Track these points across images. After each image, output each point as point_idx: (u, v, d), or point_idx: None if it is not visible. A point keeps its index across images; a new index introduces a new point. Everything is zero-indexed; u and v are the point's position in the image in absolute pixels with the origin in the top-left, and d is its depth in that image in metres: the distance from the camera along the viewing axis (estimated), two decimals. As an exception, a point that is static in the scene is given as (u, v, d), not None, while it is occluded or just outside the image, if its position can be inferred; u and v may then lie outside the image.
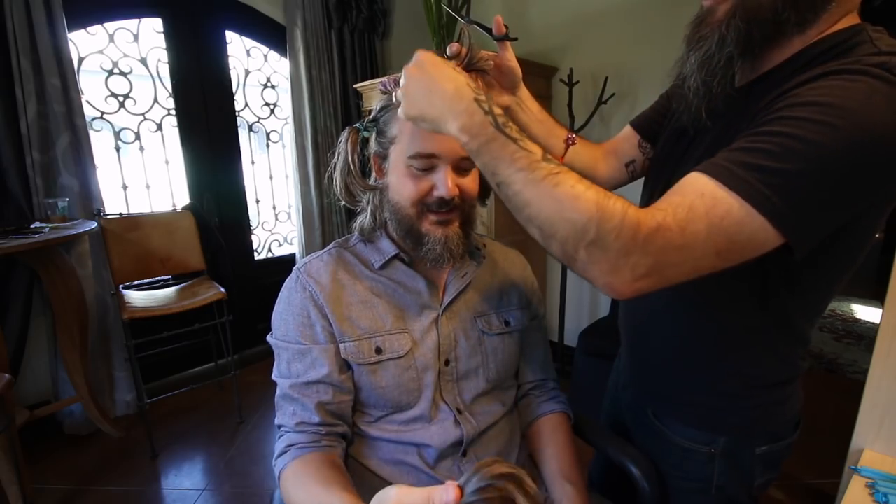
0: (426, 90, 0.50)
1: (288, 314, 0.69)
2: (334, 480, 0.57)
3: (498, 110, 0.48)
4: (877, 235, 0.53)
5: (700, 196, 0.44)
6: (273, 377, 0.69)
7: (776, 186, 0.42)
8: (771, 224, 0.42)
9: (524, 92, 0.73)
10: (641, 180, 0.79)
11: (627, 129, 0.81)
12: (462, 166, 0.65)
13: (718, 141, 0.53)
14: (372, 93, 2.26)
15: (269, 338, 0.70)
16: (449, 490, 0.37)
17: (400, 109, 0.54)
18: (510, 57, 0.68)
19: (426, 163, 0.63)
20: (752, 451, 0.64)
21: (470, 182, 0.67)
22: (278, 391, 0.68)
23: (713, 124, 0.58)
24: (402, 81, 0.53)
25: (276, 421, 0.67)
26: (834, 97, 0.42)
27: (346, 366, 0.68)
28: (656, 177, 0.70)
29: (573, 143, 0.77)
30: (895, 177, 0.44)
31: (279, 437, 0.66)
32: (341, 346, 0.67)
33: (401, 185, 0.66)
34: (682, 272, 0.45)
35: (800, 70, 0.49)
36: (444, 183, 0.63)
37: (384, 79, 0.69)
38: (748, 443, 0.64)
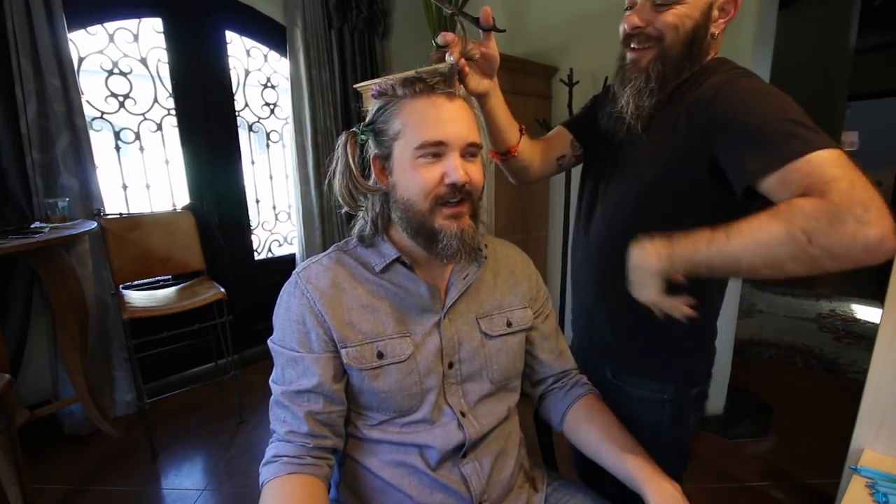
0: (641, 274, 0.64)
1: (285, 320, 0.68)
2: None
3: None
4: None
5: (797, 171, 0.55)
6: (270, 381, 0.69)
7: (783, 139, 0.57)
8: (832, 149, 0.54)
9: (496, 79, 0.83)
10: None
11: (561, 129, 0.96)
12: (469, 152, 0.65)
13: (670, 139, 0.71)
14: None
15: (269, 341, 0.70)
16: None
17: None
18: (493, 46, 0.74)
19: (434, 150, 0.63)
20: (688, 394, 0.83)
21: (477, 170, 0.67)
22: (272, 397, 0.68)
23: (644, 132, 0.76)
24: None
25: (271, 425, 0.68)
26: (755, 89, 0.65)
27: (340, 375, 0.68)
28: (599, 172, 0.86)
29: (523, 134, 0.90)
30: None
31: (270, 443, 0.67)
32: (342, 351, 0.66)
33: (410, 181, 0.64)
34: (873, 191, 0.50)
35: (694, 84, 0.72)
36: (455, 169, 0.62)
37: (377, 82, 0.68)
38: (687, 387, 0.82)
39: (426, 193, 0.63)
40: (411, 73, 0.66)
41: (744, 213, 0.58)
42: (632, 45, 0.74)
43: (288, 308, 0.68)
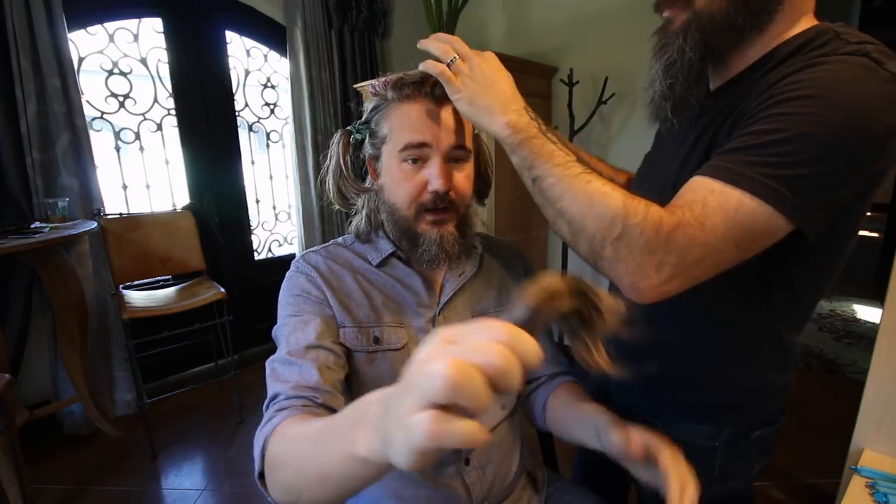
0: (487, 83, 0.57)
1: (288, 295, 0.67)
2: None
3: (543, 122, 0.56)
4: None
5: (710, 192, 0.47)
6: (267, 362, 0.63)
7: (779, 178, 0.45)
8: (779, 212, 0.45)
9: None
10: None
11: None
12: (454, 156, 0.65)
13: (697, 143, 0.58)
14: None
15: (273, 331, 0.69)
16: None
17: (451, 89, 0.59)
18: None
19: (417, 153, 0.63)
20: (748, 438, 0.66)
21: (463, 179, 0.66)
22: (272, 364, 0.61)
23: (690, 128, 0.61)
24: (462, 66, 0.59)
25: (269, 393, 0.59)
26: (815, 87, 0.45)
27: (346, 349, 0.66)
28: (644, 178, 0.75)
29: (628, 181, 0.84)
30: (884, 152, 0.45)
31: (266, 410, 0.57)
32: (340, 330, 0.66)
33: (395, 185, 0.65)
34: (705, 269, 0.47)
35: (771, 69, 0.52)
36: (436, 175, 0.62)
37: (374, 80, 0.69)
38: (747, 431, 0.66)
39: (410, 201, 0.65)
40: (401, 74, 0.66)
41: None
42: (660, 7, 0.59)
43: (290, 287, 0.68)
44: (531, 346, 0.27)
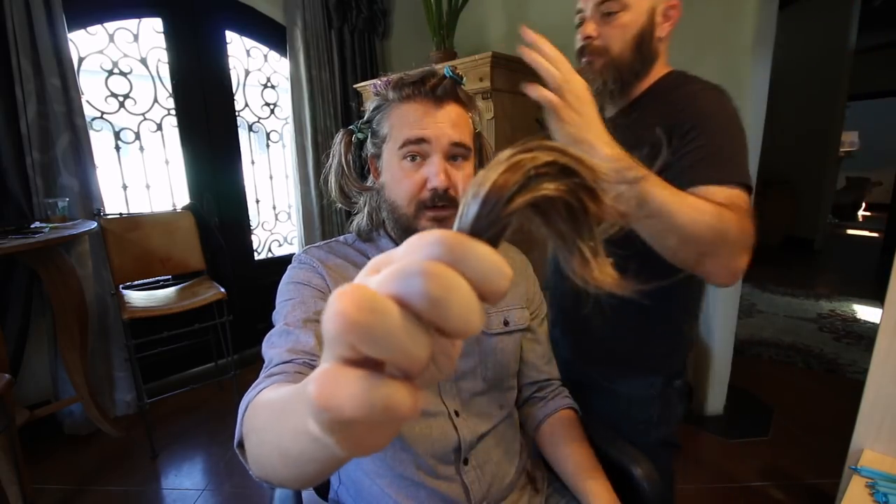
0: (589, 117, 0.57)
1: (288, 283, 0.68)
2: None
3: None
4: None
5: (713, 194, 0.65)
6: (264, 343, 0.61)
7: (738, 171, 0.69)
8: (746, 192, 0.68)
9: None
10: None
11: None
12: (454, 153, 0.65)
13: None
14: (371, 93, 2.26)
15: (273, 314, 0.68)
16: None
17: (557, 121, 0.56)
18: None
19: (416, 149, 0.63)
20: (673, 386, 0.88)
21: (463, 177, 0.66)
22: (268, 338, 0.60)
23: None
24: (567, 95, 0.56)
25: (265, 362, 0.56)
26: (714, 108, 0.74)
27: None
28: None
29: None
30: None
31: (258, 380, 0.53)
32: None
33: (395, 183, 0.66)
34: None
35: (659, 96, 0.80)
36: (435, 172, 0.63)
37: (376, 80, 0.69)
38: (671, 380, 0.87)
39: (410, 199, 0.65)
40: (402, 74, 0.66)
41: None
42: (583, 59, 0.81)
43: (291, 277, 0.68)
44: (486, 260, 0.18)
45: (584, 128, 0.57)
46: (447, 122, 0.64)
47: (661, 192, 0.57)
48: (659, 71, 0.82)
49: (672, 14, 0.78)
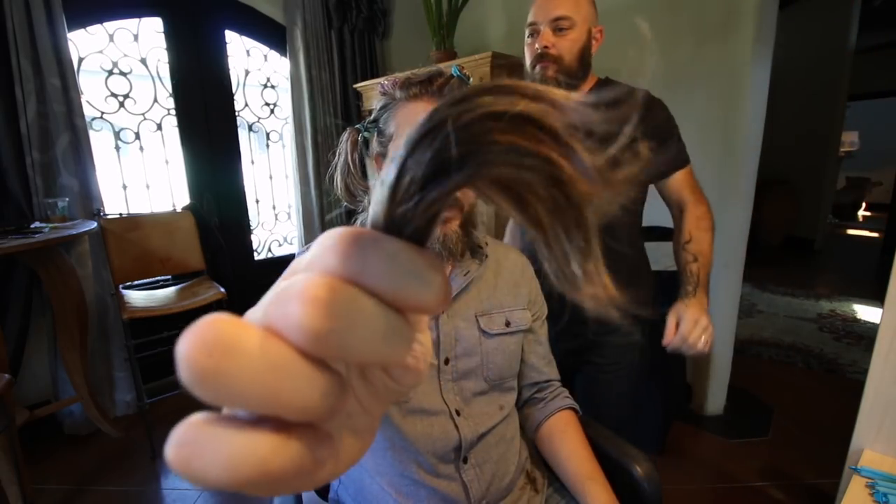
0: None
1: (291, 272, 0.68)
2: None
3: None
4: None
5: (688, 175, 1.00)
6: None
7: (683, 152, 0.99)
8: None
9: None
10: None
11: None
12: None
13: None
14: (372, 93, 2.26)
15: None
16: None
17: None
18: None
19: None
20: (643, 334, 1.06)
21: None
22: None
23: None
24: None
25: None
26: (661, 104, 0.99)
27: None
28: None
29: None
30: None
31: None
32: None
33: None
34: None
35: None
36: None
37: (383, 79, 0.69)
38: (643, 328, 1.05)
39: None
40: (409, 74, 0.66)
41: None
42: (538, 65, 0.95)
43: (295, 266, 0.68)
44: (398, 264, 0.13)
45: None
46: None
47: (708, 275, 0.96)
48: (592, 79, 1.04)
49: (599, 38, 1.00)
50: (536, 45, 0.94)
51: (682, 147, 0.97)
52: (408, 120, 0.65)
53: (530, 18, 0.96)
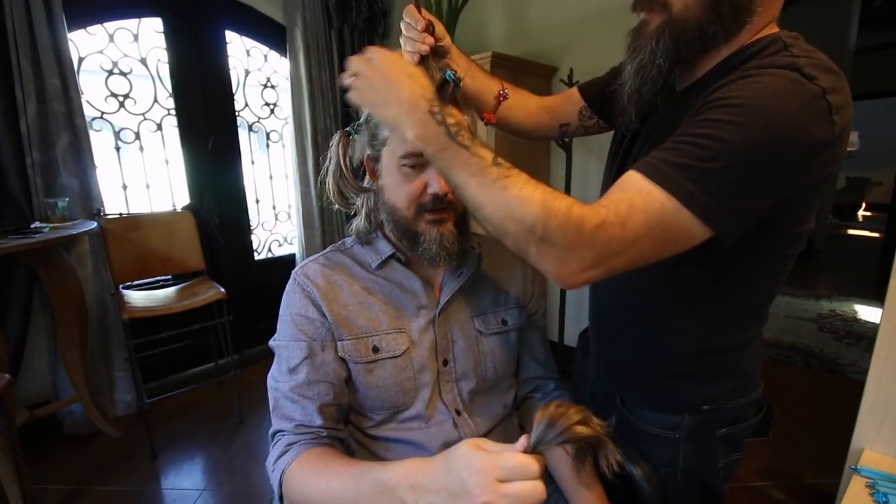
0: (383, 91, 0.54)
1: (288, 315, 0.69)
2: (358, 461, 0.58)
3: (451, 120, 0.52)
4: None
5: (638, 192, 0.49)
6: (269, 380, 0.67)
7: (698, 182, 0.47)
8: (696, 217, 0.48)
9: (454, 50, 0.75)
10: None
11: (574, 92, 0.84)
12: None
13: (656, 142, 0.57)
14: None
15: (271, 341, 0.70)
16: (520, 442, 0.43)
17: (350, 94, 0.57)
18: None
19: (416, 160, 0.64)
20: (713, 434, 0.69)
21: None
22: (276, 395, 0.66)
23: (653, 126, 0.64)
24: (351, 72, 0.56)
25: (273, 427, 0.65)
26: (744, 97, 0.47)
27: (345, 364, 0.68)
28: (606, 176, 0.76)
29: (505, 98, 0.77)
30: (807, 164, 0.48)
31: (275, 444, 0.63)
32: (339, 343, 0.67)
33: (395, 188, 0.66)
34: (624, 262, 0.50)
35: (723, 74, 0.53)
36: (436, 180, 0.63)
37: None
38: (709, 426, 0.68)
39: (409, 203, 0.66)
40: None
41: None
42: (637, 8, 0.59)
43: (289, 304, 0.69)
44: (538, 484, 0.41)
45: (380, 104, 0.55)
46: None
47: (471, 179, 0.51)
48: (750, 37, 0.55)
49: None
50: None
51: (679, 165, 0.48)
52: None
53: None
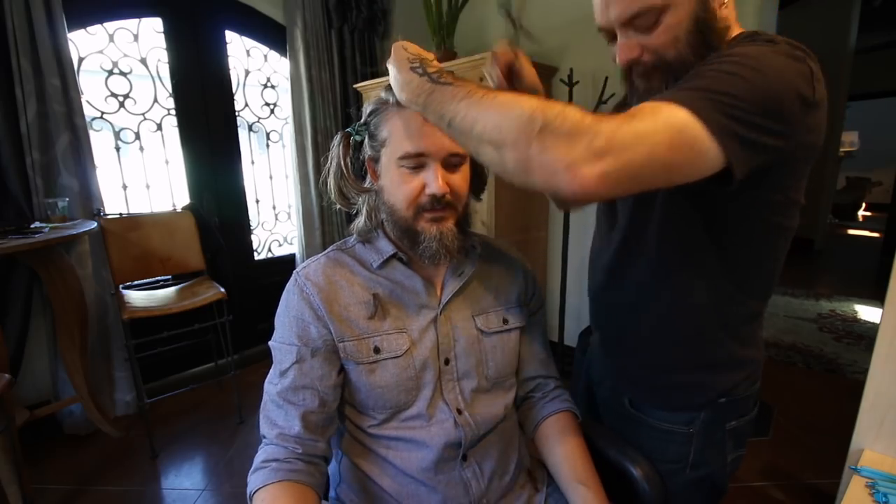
0: (393, 75, 0.59)
1: (285, 317, 0.69)
2: None
3: (432, 67, 0.55)
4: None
5: (651, 106, 0.48)
6: (265, 383, 0.68)
7: (715, 102, 0.47)
8: (711, 135, 0.46)
9: None
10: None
11: None
12: (451, 162, 0.66)
13: None
14: (372, 93, 2.26)
15: (270, 341, 0.71)
16: None
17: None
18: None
19: (415, 161, 0.64)
20: (724, 427, 0.70)
21: (460, 180, 0.68)
22: (266, 397, 0.67)
23: None
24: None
25: (260, 431, 0.66)
26: (740, 53, 0.52)
27: (338, 371, 0.68)
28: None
29: None
30: (800, 117, 0.51)
31: (260, 448, 0.65)
32: (340, 345, 0.67)
33: (394, 188, 0.67)
34: (640, 156, 0.45)
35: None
36: (435, 180, 0.64)
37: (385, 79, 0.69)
38: (721, 419, 0.70)
39: (409, 203, 0.66)
40: None
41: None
42: (634, 80, 0.63)
43: (288, 305, 0.70)
44: None
45: (394, 88, 0.60)
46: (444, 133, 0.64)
47: (460, 104, 0.50)
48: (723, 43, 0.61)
49: None
50: (618, 58, 0.62)
51: (688, 88, 0.51)
52: (400, 131, 0.65)
53: (597, 20, 0.63)
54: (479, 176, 0.76)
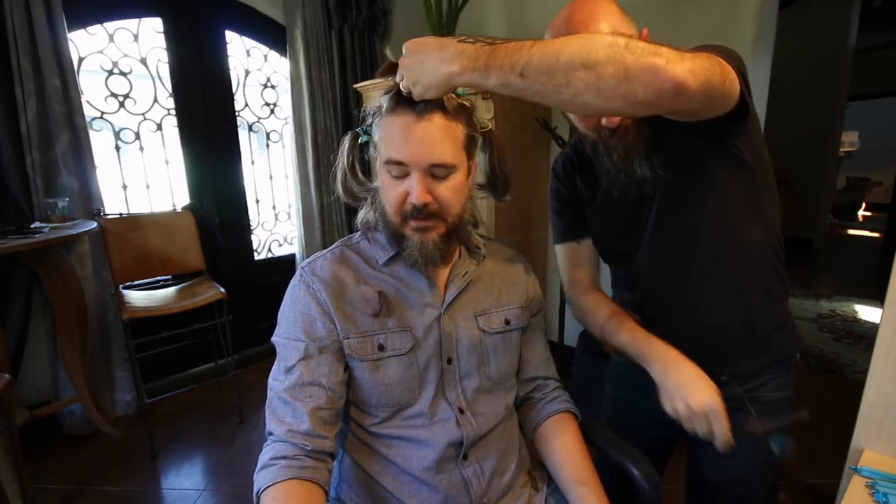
0: (418, 63, 0.59)
1: (290, 311, 0.69)
2: None
3: (483, 39, 0.58)
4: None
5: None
6: (269, 379, 0.67)
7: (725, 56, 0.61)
8: (733, 68, 0.60)
9: None
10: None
11: (573, 246, 0.89)
12: (435, 174, 0.65)
13: (674, 186, 0.71)
14: (372, 93, 2.26)
15: (273, 337, 0.71)
16: None
17: (403, 83, 0.62)
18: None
19: (398, 170, 0.65)
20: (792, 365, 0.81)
21: (447, 190, 0.66)
22: (271, 394, 0.66)
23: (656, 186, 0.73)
24: (399, 68, 0.62)
25: (267, 428, 0.65)
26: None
27: (344, 367, 0.68)
28: (629, 238, 0.79)
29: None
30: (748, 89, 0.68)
31: (265, 446, 0.63)
32: (345, 342, 0.67)
33: (384, 191, 0.68)
34: (706, 65, 0.53)
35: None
36: (415, 189, 0.64)
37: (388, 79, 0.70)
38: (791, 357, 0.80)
39: (394, 209, 0.67)
40: (396, 81, 0.65)
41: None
42: (611, 143, 0.70)
43: (294, 300, 0.70)
44: None
45: (420, 73, 0.59)
46: (427, 142, 0.64)
47: (533, 47, 0.52)
48: None
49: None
50: (582, 124, 0.73)
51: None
52: (386, 137, 0.66)
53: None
54: (498, 175, 0.76)
